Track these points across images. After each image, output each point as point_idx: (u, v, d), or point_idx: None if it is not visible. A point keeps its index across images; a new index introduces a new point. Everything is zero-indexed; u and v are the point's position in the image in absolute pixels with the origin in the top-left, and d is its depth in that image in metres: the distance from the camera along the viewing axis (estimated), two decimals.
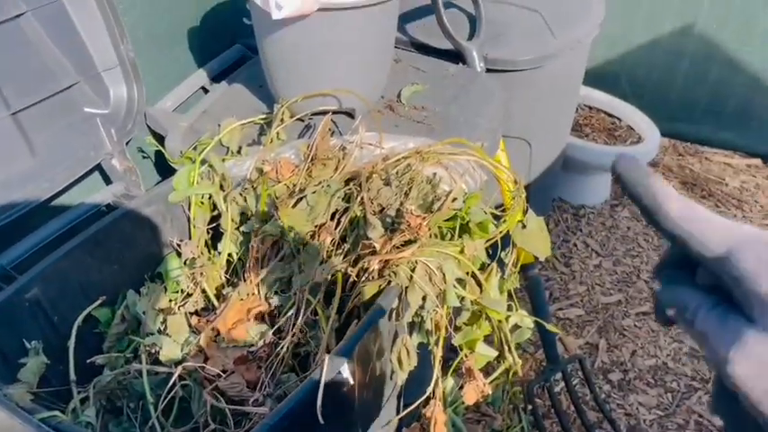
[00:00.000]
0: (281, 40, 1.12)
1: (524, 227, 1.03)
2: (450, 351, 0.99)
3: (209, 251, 1.17)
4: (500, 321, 0.98)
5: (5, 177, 1.01)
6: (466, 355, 0.95)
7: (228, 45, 1.59)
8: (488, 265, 1.01)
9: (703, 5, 2.37)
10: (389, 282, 0.87)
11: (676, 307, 0.35)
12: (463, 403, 0.99)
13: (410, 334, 0.92)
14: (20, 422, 0.55)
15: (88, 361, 0.95)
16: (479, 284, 0.97)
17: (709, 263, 0.33)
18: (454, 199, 0.95)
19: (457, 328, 0.98)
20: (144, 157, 1.40)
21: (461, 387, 0.95)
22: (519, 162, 1.76)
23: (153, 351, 0.97)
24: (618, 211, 2.39)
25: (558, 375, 1.70)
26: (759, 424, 0.30)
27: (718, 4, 2.35)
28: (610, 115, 2.47)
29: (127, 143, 1.21)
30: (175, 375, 0.85)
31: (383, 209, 0.99)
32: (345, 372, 0.77)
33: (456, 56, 1.51)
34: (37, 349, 0.92)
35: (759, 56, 2.39)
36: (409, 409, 0.94)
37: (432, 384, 0.93)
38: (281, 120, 1.16)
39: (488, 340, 1.01)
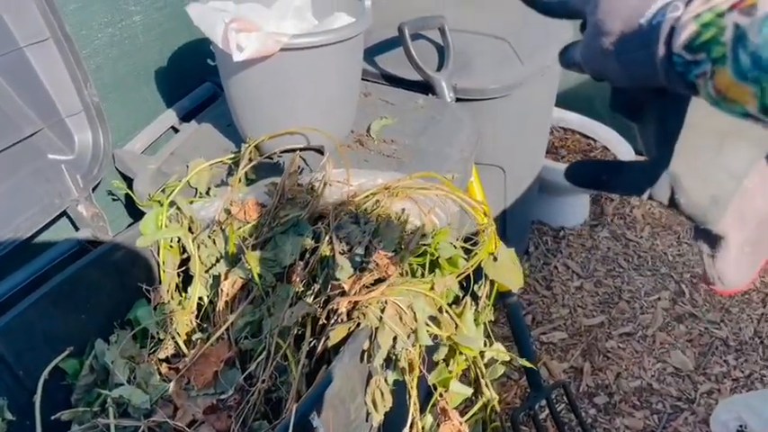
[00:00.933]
0: (245, 81, 1.12)
1: (495, 259, 1.02)
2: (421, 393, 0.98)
3: (179, 294, 1.16)
4: (475, 357, 0.97)
5: None
6: (441, 395, 0.93)
7: (198, 83, 1.59)
8: (462, 298, 1.00)
9: None
10: (359, 324, 0.85)
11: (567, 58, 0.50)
12: None
13: (385, 372, 0.90)
14: None
15: (53, 417, 0.92)
16: (455, 316, 0.96)
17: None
18: (423, 235, 0.95)
19: (435, 363, 0.97)
20: (114, 200, 1.38)
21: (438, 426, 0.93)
22: (494, 188, 1.77)
23: (121, 403, 0.95)
24: (597, 232, 2.40)
25: (544, 402, 1.68)
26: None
27: None
28: (585, 136, 2.49)
29: (94, 189, 1.19)
30: (141, 430, 0.83)
31: (351, 248, 0.98)
32: (315, 420, 0.75)
33: (425, 86, 1.52)
34: (1, 407, 0.89)
35: None
36: None
37: (408, 425, 0.91)
38: (249, 159, 1.15)
39: (466, 375, 1.00)
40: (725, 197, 0.44)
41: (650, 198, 0.47)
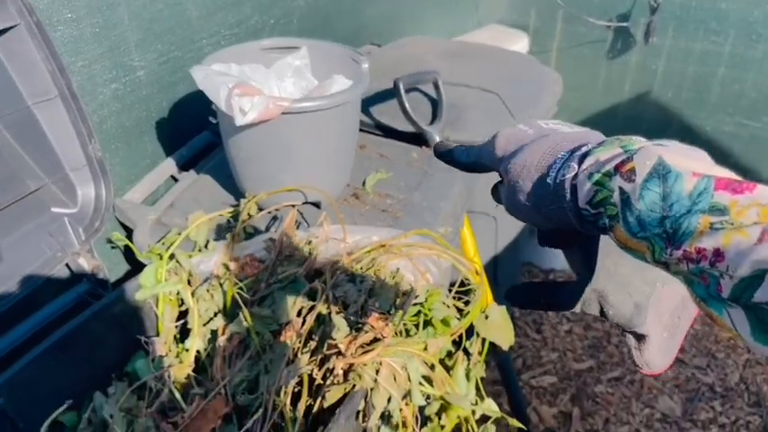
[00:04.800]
0: (246, 141, 1.16)
1: (487, 317, 1.06)
2: None
3: (177, 346, 1.18)
4: (467, 415, 0.99)
5: None
6: None
7: (197, 132, 1.63)
8: (455, 352, 1.03)
9: (657, 74, 2.48)
10: (354, 385, 0.88)
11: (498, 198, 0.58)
12: None
13: (379, 429, 0.93)
14: None
15: None
16: (447, 370, 0.99)
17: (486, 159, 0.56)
18: (416, 296, 0.98)
19: (428, 418, 1.00)
20: (113, 248, 1.41)
21: None
22: (485, 235, 1.80)
23: None
24: None
25: None
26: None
27: (671, 72, 2.46)
28: None
29: (94, 241, 1.22)
30: None
31: (347, 306, 1.01)
32: None
33: (419, 138, 1.56)
34: None
35: (711, 123, 2.50)
36: None
37: None
38: (248, 214, 1.19)
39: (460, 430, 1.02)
40: (645, 303, 0.51)
41: (583, 312, 0.52)
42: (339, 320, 0.95)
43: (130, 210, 1.35)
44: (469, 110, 1.62)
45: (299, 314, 1.05)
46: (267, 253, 1.13)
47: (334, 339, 0.95)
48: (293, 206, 1.20)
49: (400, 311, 0.96)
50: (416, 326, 1.01)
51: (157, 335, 1.16)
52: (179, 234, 1.20)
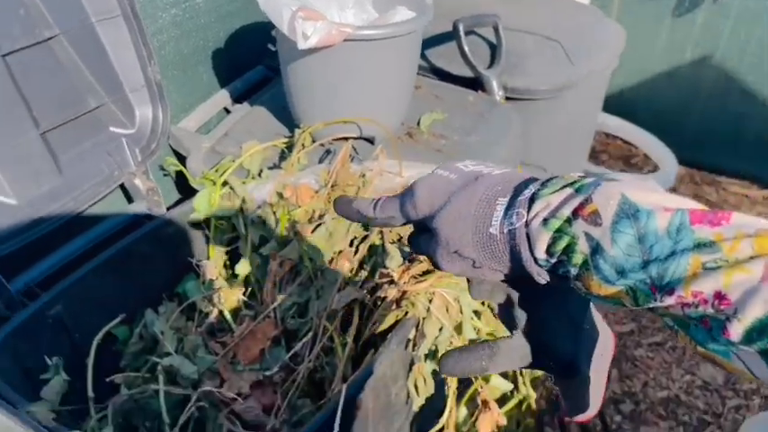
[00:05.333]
0: (306, 68, 1.14)
1: None
2: (460, 382, 1.00)
3: (227, 272, 1.19)
4: None
5: (33, 196, 1.03)
6: (481, 387, 0.95)
7: (252, 66, 1.62)
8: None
9: (723, 36, 2.38)
10: (406, 312, 0.87)
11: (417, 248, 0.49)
12: None
13: (425, 361, 0.93)
14: None
15: (108, 379, 0.96)
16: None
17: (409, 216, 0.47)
18: None
19: None
20: (165, 175, 1.42)
21: (473, 417, 0.95)
22: None
23: (169, 371, 0.98)
24: None
25: None
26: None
27: (737, 34, 2.35)
28: (626, 143, 2.47)
29: (150, 163, 1.23)
30: (194, 398, 0.86)
31: (401, 238, 1.00)
32: (362, 400, 0.77)
33: (475, 83, 1.53)
34: (58, 366, 0.93)
35: None
36: None
37: (446, 414, 0.93)
38: (303, 145, 1.18)
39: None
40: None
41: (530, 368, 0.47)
42: (393, 249, 0.94)
43: (185, 137, 1.35)
44: (529, 57, 1.58)
45: (351, 243, 1.04)
46: (321, 183, 1.12)
47: (387, 268, 0.94)
48: (347, 139, 1.19)
49: None
50: None
51: (208, 258, 1.17)
52: (233, 162, 1.20)
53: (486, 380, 0.95)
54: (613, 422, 1.78)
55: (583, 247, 0.37)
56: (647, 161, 2.37)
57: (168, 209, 1.25)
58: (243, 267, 1.11)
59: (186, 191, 1.37)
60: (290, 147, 1.22)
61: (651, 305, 0.36)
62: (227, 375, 0.95)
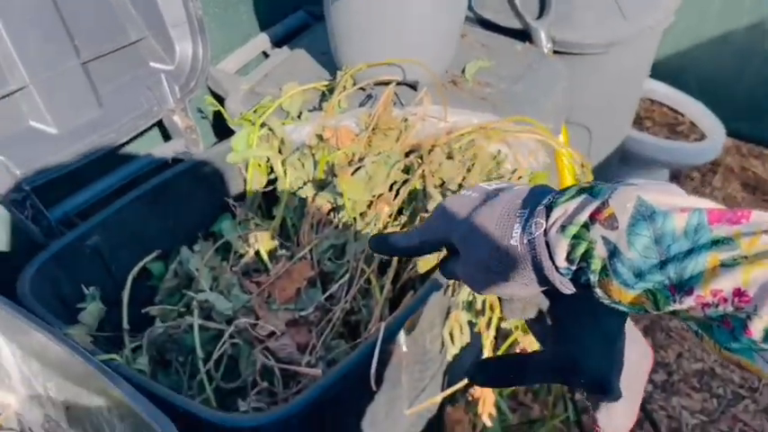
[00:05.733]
0: (352, 7, 1.10)
1: None
2: (497, 333, 0.98)
3: (263, 213, 1.17)
4: None
5: (74, 126, 1.02)
6: (518, 338, 0.93)
7: (292, 10, 1.58)
8: None
9: None
10: None
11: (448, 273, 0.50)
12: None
13: (461, 306, 0.90)
14: (81, 361, 0.55)
15: (143, 311, 0.96)
16: None
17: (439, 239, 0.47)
18: (519, 177, 0.93)
19: None
20: (202, 117, 1.40)
21: None
22: (578, 149, 1.72)
23: (204, 307, 0.98)
24: None
25: None
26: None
27: None
28: (672, 110, 2.39)
29: (189, 100, 1.21)
30: (228, 332, 0.85)
31: (444, 183, 0.97)
32: (401, 340, 0.76)
33: (522, 36, 1.47)
34: (94, 295, 0.93)
35: None
36: (455, 387, 0.93)
37: None
38: (344, 87, 1.15)
39: None
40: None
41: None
42: (435, 193, 0.92)
43: (224, 78, 1.33)
44: (580, 8, 1.51)
45: (391, 188, 1.02)
46: (362, 126, 1.09)
47: (428, 212, 0.91)
48: (389, 83, 1.15)
49: None
50: None
51: (244, 199, 1.16)
52: (272, 103, 1.17)
53: (526, 330, 0.93)
54: (645, 391, 1.75)
55: (601, 252, 0.37)
56: (694, 129, 2.29)
57: (209, 148, 1.23)
58: (280, 209, 1.09)
59: (224, 134, 1.36)
60: (330, 89, 1.19)
61: (672, 308, 0.35)
62: (261, 313, 0.94)
